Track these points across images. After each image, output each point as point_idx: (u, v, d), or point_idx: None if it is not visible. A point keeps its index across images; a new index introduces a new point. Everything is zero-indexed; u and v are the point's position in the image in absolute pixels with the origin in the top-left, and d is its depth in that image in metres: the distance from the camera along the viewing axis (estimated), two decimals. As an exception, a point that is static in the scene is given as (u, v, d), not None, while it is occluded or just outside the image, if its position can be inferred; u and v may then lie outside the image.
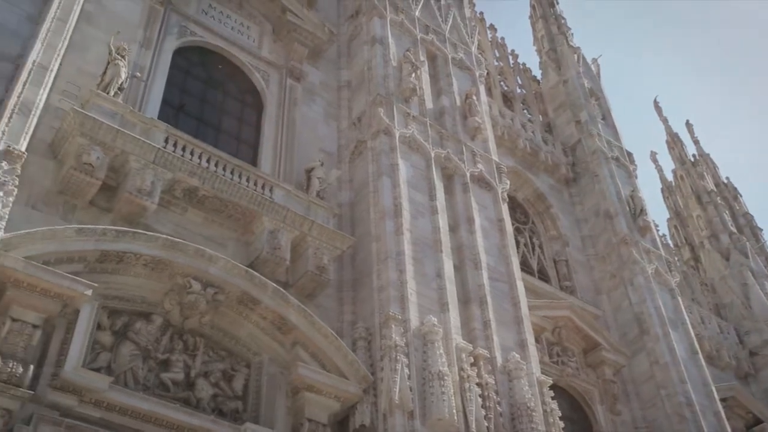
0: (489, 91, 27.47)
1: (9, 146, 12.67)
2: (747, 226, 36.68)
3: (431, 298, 16.38)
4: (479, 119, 21.73)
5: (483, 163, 20.78)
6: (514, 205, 24.84)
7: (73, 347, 12.13)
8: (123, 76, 15.52)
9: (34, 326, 11.77)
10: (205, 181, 15.42)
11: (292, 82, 20.39)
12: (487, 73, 27.50)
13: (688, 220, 37.26)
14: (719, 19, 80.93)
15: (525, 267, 22.71)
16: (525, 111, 29.70)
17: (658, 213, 50.12)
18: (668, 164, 41.62)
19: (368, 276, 16.55)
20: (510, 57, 32.10)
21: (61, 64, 15.25)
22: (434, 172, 19.07)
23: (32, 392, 11.40)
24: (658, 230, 29.33)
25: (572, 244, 25.40)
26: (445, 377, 14.63)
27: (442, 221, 18.11)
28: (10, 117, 13.14)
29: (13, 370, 11.20)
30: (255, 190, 16.07)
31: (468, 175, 19.94)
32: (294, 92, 20.15)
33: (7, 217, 12.03)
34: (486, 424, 14.85)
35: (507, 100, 29.55)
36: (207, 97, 18.93)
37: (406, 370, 14.45)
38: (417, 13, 23.63)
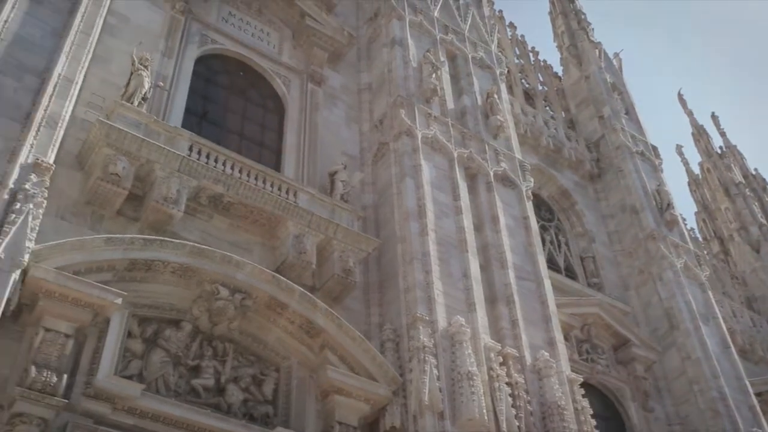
0: (510, 89, 27.32)
1: (37, 159, 12.83)
2: (777, 217, 36.16)
3: (458, 299, 16.33)
4: (501, 118, 21.63)
5: (506, 162, 20.69)
6: (538, 203, 24.66)
7: (105, 355, 12.29)
8: (146, 86, 15.70)
9: (67, 336, 11.91)
10: (229, 187, 15.53)
11: (313, 86, 20.47)
12: (508, 71, 27.35)
13: (716, 213, 36.77)
14: (741, 12, 79.80)
15: (551, 265, 22.52)
16: (547, 108, 29.46)
17: (685, 207, 49.73)
18: (694, 157, 41.25)
19: (394, 278, 16.55)
20: (530, 54, 31.90)
21: (85, 77, 15.44)
22: (457, 172, 19.03)
23: (66, 401, 11.54)
24: (686, 224, 28.96)
25: (598, 240, 25.18)
26: (474, 377, 14.57)
27: (467, 221, 18.05)
28: (38, 130, 13.28)
29: (48, 379, 11.34)
30: (279, 195, 16.15)
31: (491, 174, 19.85)
32: (315, 96, 20.23)
33: (37, 228, 12.19)
34: (517, 423, 14.77)
35: (528, 97, 29.35)
36: (229, 104, 19.06)
37: (435, 371, 14.41)
38: (436, 14, 23.61)
